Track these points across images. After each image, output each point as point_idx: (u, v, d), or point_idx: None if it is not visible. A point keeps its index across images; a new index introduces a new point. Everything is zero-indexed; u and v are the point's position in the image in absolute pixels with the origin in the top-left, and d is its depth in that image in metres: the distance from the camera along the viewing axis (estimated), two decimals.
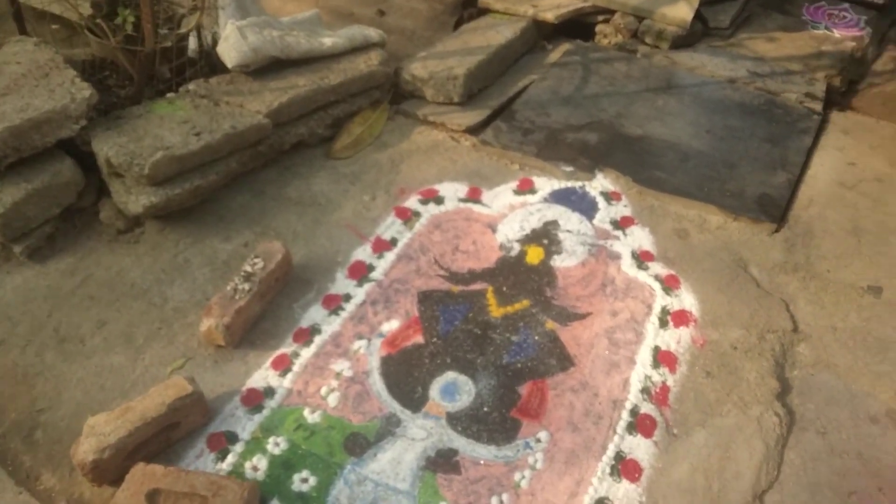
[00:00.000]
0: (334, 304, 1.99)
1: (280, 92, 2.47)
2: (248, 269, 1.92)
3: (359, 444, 1.66)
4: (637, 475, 1.62)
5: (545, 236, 2.22)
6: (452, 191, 2.40)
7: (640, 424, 1.72)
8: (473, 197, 2.38)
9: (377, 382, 1.79)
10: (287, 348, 1.87)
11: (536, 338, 1.92)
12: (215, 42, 2.64)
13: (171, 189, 2.12)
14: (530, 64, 3.22)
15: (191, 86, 2.51)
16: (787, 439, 1.74)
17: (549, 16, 3.33)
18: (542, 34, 3.40)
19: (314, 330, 1.92)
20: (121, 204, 2.17)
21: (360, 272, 2.09)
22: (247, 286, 1.87)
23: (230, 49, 2.52)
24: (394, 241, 2.20)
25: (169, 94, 2.51)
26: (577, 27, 3.45)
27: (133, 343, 1.91)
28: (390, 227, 2.26)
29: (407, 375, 1.81)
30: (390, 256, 2.15)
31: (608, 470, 1.63)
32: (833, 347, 1.97)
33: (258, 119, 2.32)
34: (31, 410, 1.76)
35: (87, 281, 2.09)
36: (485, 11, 3.46)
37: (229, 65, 2.53)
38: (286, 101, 2.42)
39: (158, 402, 1.56)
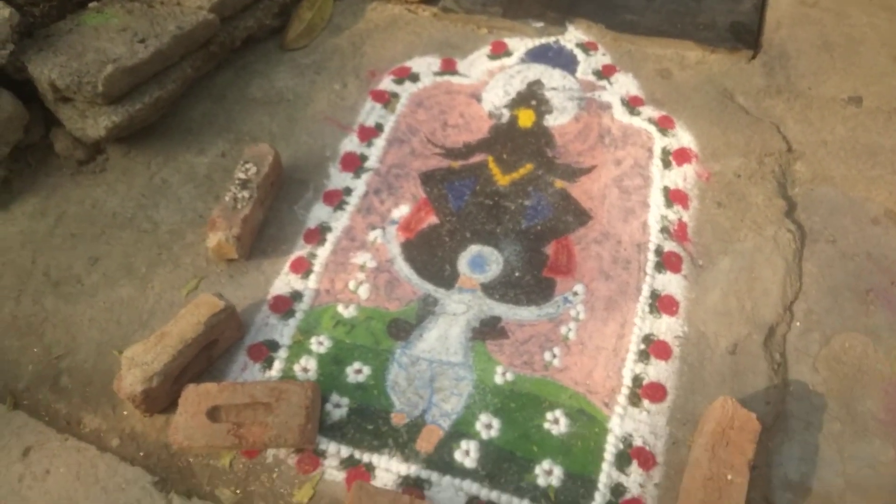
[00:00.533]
0: (336, 200, 1.91)
1: None
2: (242, 175, 1.80)
3: (402, 329, 1.64)
4: (674, 308, 1.68)
5: (532, 97, 2.16)
6: (425, 65, 2.28)
7: (666, 262, 1.76)
8: (449, 69, 2.27)
9: (404, 268, 1.76)
10: (301, 251, 1.80)
11: (549, 198, 1.90)
12: None
13: (131, 105, 1.94)
14: None
15: None
16: (802, 252, 1.82)
17: None
18: None
19: (324, 228, 1.85)
20: (77, 131, 1.97)
21: (354, 163, 2.00)
22: (246, 193, 1.76)
23: None
24: (379, 127, 2.10)
25: (92, 4, 2.24)
26: None
27: (136, 273, 1.80)
28: (371, 112, 2.15)
29: (431, 256, 1.78)
30: (380, 143, 2.05)
31: (647, 309, 1.67)
32: (827, 161, 2.03)
33: (203, 15, 2.11)
34: (49, 359, 1.66)
35: (62, 219, 1.93)
36: None
37: None
38: None
39: (194, 323, 1.49)
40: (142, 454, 1.51)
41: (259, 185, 1.80)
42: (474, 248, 1.79)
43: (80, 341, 1.68)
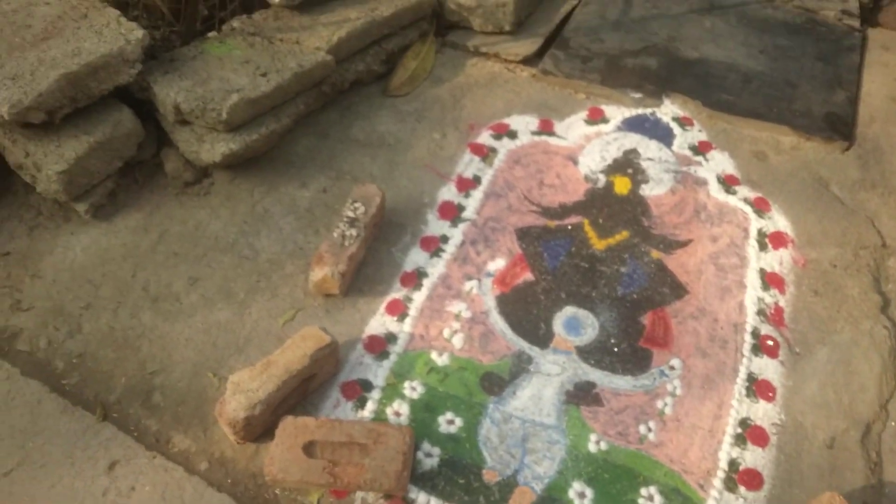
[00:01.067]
0: (433, 247, 1.94)
1: (334, 26, 2.33)
2: (351, 213, 1.84)
3: (496, 384, 1.64)
4: (771, 394, 1.65)
5: (628, 165, 2.19)
6: (523, 124, 2.33)
7: (763, 346, 1.74)
8: (546, 129, 2.32)
9: (499, 322, 1.76)
10: (397, 293, 1.82)
11: (644, 268, 1.90)
12: None
13: (248, 135, 2.01)
14: None
15: (234, 23, 2.35)
16: None
17: None
18: None
19: (420, 273, 1.87)
20: (190, 154, 2.04)
21: (451, 212, 2.03)
22: (354, 232, 1.80)
23: None
24: (477, 179, 2.14)
25: (212, 34, 2.35)
26: None
27: (234, 298, 1.83)
28: (469, 164, 2.19)
29: (526, 313, 1.79)
30: (477, 194, 2.09)
31: (744, 391, 1.65)
32: None
33: (322, 56, 2.19)
34: (143, 374, 1.68)
35: (164, 237, 1.98)
36: None
37: (276, 0, 2.36)
38: (345, 35, 2.29)
39: (300, 355, 1.51)
40: (230, 481, 1.51)
41: (366, 225, 1.83)
42: (569, 310, 1.79)
43: (175, 360, 1.71)
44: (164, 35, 2.42)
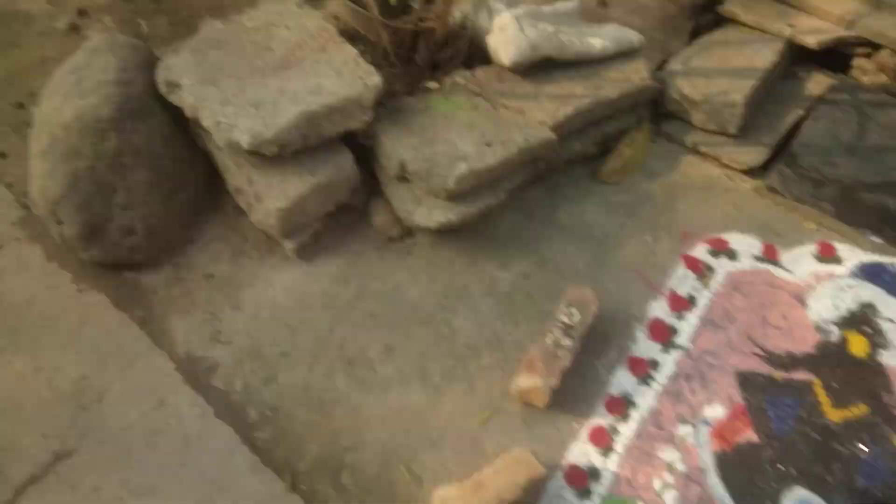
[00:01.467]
0: (642, 371, 1.76)
1: (559, 101, 2.21)
2: (566, 319, 1.70)
3: None
4: None
5: (865, 322, 1.94)
6: (745, 245, 2.13)
7: None
8: (770, 257, 2.10)
9: (717, 486, 1.57)
10: (602, 419, 1.66)
11: (887, 458, 1.66)
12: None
13: (467, 207, 1.91)
14: (784, 93, 2.86)
15: (457, 78, 2.26)
16: None
17: (811, 40, 2.94)
18: (792, 59, 3.04)
19: (628, 402, 1.70)
20: (403, 212, 1.96)
21: (663, 334, 1.85)
22: (568, 342, 1.65)
23: (507, 43, 2.26)
24: (692, 300, 1.95)
25: (431, 84, 2.27)
26: (825, 56, 3.07)
27: (429, 380, 1.71)
28: (683, 280, 2.01)
29: (749, 484, 1.58)
30: (692, 319, 1.90)
31: None
32: None
33: (546, 133, 2.07)
34: (335, 446, 1.59)
35: (363, 293, 1.90)
36: (725, 21, 3.09)
37: (506, 62, 2.26)
38: (571, 112, 2.16)
39: (511, 482, 1.38)
40: None
41: (580, 336, 1.68)
42: (800, 492, 1.57)
43: (367, 439, 1.60)
44: (386, 76, 2.36)
